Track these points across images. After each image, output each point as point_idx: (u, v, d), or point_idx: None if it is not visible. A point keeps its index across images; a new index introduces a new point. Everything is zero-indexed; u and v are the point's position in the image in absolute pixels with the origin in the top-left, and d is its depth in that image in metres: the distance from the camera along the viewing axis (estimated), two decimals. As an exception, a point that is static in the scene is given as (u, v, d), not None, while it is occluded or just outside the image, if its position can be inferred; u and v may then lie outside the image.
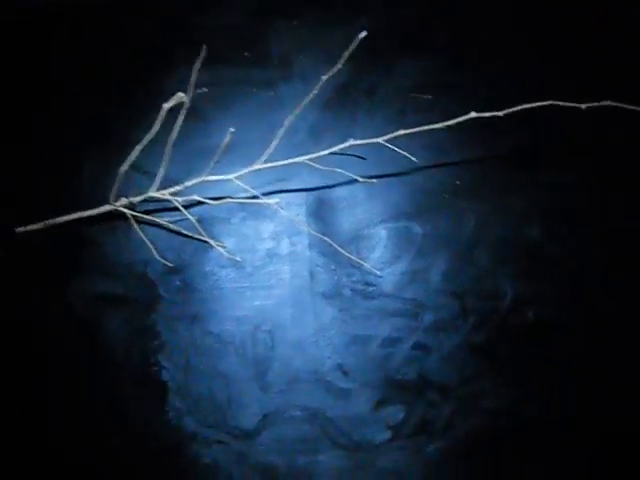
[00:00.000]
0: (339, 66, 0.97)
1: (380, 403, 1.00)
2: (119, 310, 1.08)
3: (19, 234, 1.10)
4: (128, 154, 1.02)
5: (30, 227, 1.11)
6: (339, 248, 1.00)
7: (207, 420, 1.02)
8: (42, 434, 1.03)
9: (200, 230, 1.04)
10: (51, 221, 1.10)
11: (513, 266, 1.04)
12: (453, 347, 1.01)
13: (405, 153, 0.94)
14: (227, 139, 0.96)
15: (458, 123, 0.93)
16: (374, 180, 0.96)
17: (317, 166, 0.97)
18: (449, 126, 0.94)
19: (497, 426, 0.98)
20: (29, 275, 1.10)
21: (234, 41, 1.15)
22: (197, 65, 1.00)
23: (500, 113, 0.91)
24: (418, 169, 1.03)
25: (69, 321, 1.07)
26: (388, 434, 0.99)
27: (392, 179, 1.05)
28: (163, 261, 1.05)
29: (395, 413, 1.00)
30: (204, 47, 1.00)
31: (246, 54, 1.04)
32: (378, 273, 1.00)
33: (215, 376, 1.04)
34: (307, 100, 0.99)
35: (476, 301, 1.02)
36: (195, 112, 1.02)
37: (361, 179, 0.96)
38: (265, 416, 1.02)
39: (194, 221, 1.03)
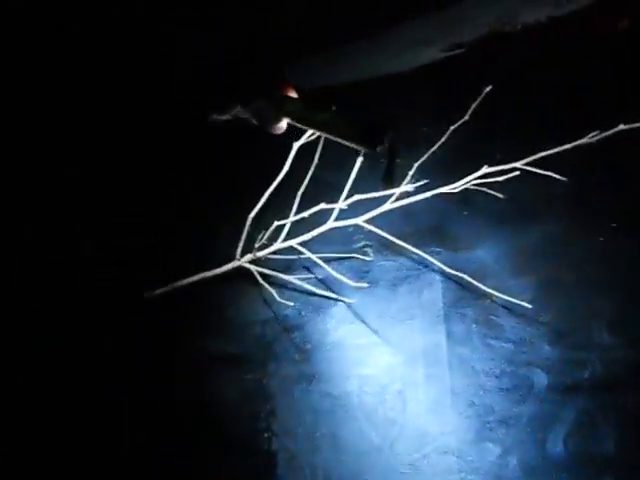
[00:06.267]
0: (466, 118, 0.99)
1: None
2: (233, 370, 0.98)
3: (148, 297, 1.11)
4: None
5: (158, 291, 1.11)
6: (475, 282, 0.87)
7: (323, 500, 0.82)
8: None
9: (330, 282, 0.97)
10: (177, 284, 1.11)
11: None
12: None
13: (551, 173, 0.85)
14: (356, 166, 0.95)
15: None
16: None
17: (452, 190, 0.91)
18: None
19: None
20: (152, 335, 1.07)
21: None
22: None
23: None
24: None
25: (182, 380, 1.00)
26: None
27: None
28: (284, 302, 0.97)
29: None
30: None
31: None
32: (529, 305, 0.83)
33: (334, 445, 0.86)
34: (438, 144, 0.99)
35: None
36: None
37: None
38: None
39: (330, 270, 0.97)
